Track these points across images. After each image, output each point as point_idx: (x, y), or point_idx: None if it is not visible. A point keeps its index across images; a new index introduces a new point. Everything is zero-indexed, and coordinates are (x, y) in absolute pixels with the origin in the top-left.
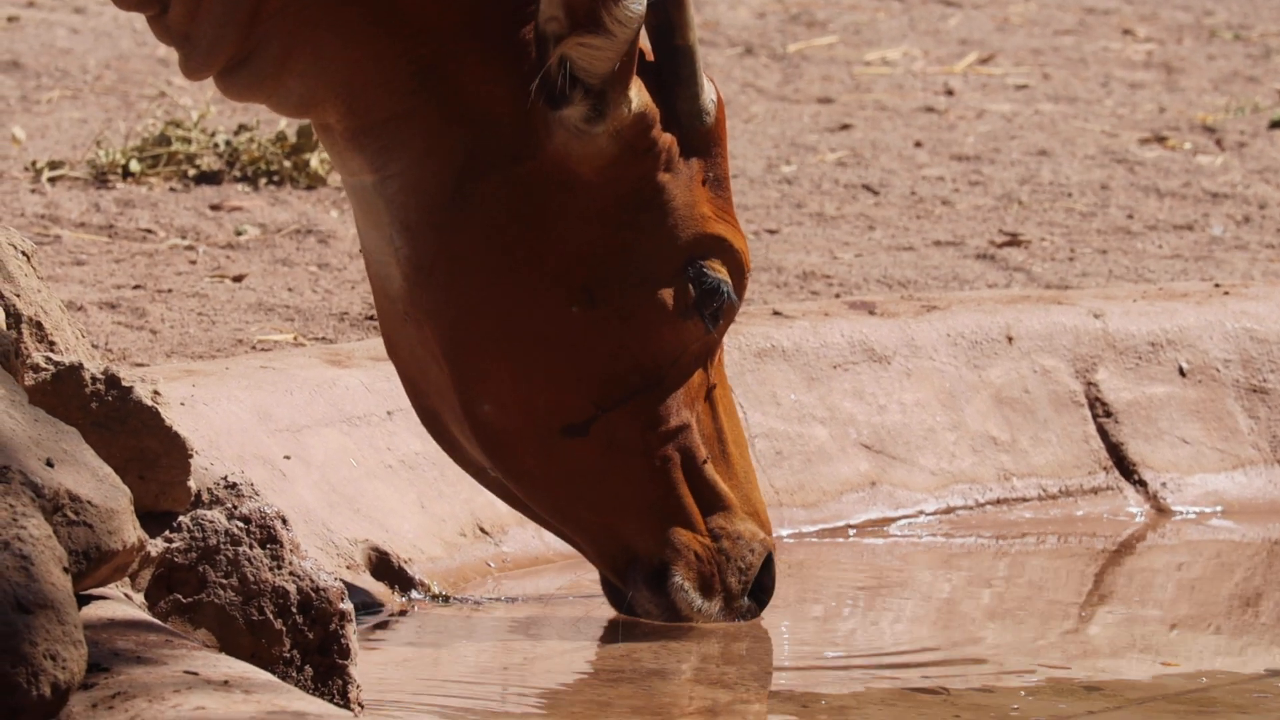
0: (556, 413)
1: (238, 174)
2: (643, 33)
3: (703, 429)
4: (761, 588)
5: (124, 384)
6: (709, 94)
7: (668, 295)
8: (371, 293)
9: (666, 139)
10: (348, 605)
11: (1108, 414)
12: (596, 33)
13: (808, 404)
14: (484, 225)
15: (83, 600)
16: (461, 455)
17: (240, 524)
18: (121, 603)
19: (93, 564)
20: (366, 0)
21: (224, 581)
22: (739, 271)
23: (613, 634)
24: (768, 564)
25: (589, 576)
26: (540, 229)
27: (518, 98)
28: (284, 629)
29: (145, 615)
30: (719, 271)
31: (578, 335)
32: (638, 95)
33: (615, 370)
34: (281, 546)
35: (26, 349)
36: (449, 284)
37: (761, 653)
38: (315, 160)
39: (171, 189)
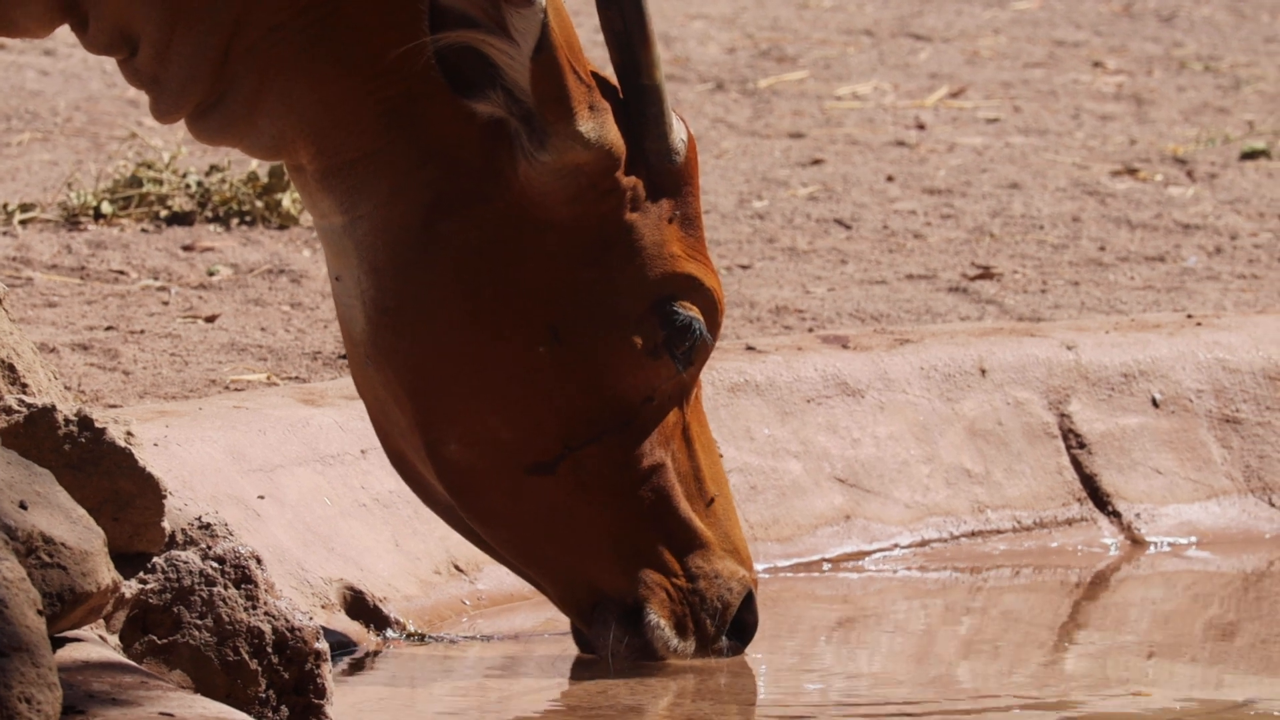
0: (523, 451)
1: (209, 214)
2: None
3: (679, 467)
4: (743, 625)
5: (97, 425)
6: (679, 133)
7: (637, 335)
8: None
9: (630, 180)
10: (323, 645)
11: (1081, 445)
12: (500, 36)
13: (781, 438)
14: (451, 265)
15: (57, 642)
16: (430, 495)
17: (215, 564)
18: (96, 644)
19: (67, 606)
20: (334, 40)
21: (199, 622)
22: (712, 310)
23: (590, 671)
24: (748, 601)
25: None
26: (507, 269)
27: (485, 138)
28: (259, 669)
29: (120, 657)
30: (690, 310)
31: (545, 375)
32: (598, 131)
33: (583, 409)
34: (256, 587)
35: None
36: (416, 324)
37: (738, 688)
38: (287, 200)
39: (143, 230)
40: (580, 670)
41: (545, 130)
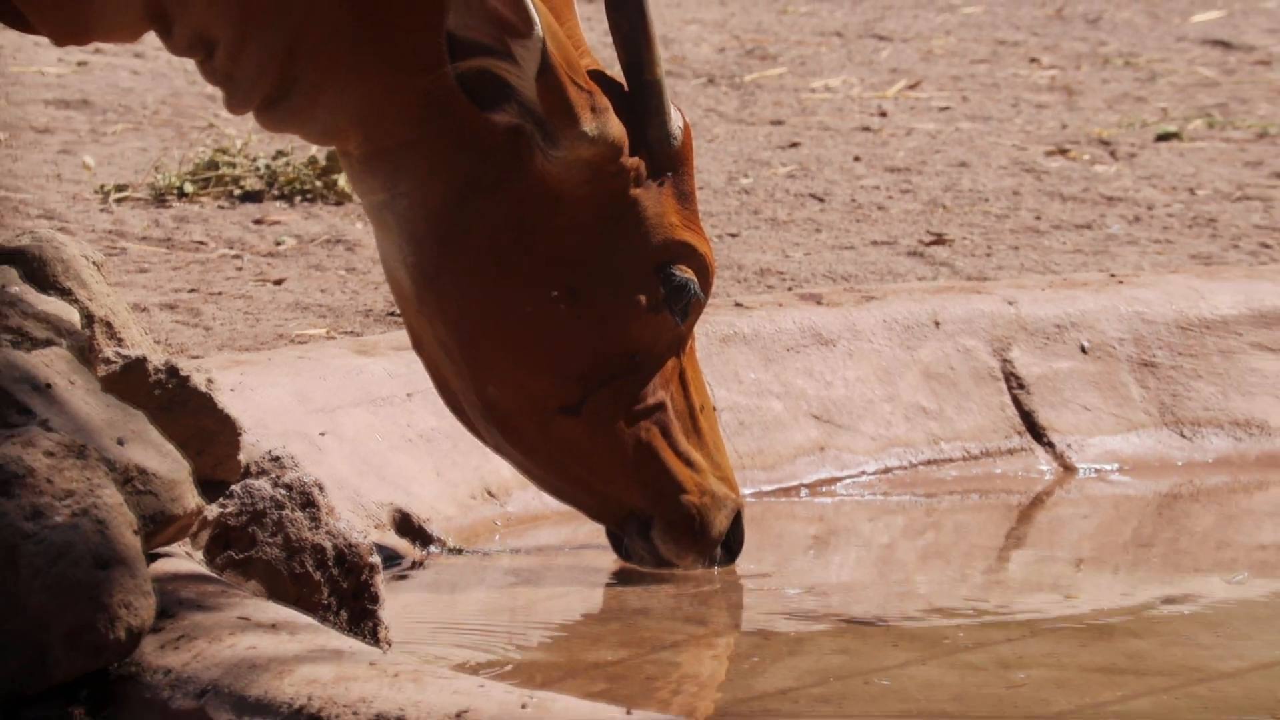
0: (550, 394)
1: (276, 193)
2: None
3: (676, 406)
4: (732, 541)
5: (182, 373)
6: (676, 121)
7: (642, 294)
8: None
9: (634, 161)
10: (376, 558)
11: (1020, 386)
12: (509, 61)
13: (765, 381)
14: (482, 236)
15: (151, 558)
16: (477, 430)
17: (284, 491)
18: (184, 559)
19: (159, 526)
20: (381, 44)
21: (271, 540)
22: (704, 272)
23: (603, 579)
24: (737, 520)
25: (582, 530)
26: (529, 238)
27: (508, 131)
28: (322, 580)
29: (204, 570)
30: (686, 272)
31: (565, 329)
32: (600, 129)
33: (598, 358)
34: (319, 510)
35: (99, 345)
36: (453, 286)
37: (729, 593)
38: (342, 180)
39: (220, 207)
40: (596, 579)
41: (555, 133)
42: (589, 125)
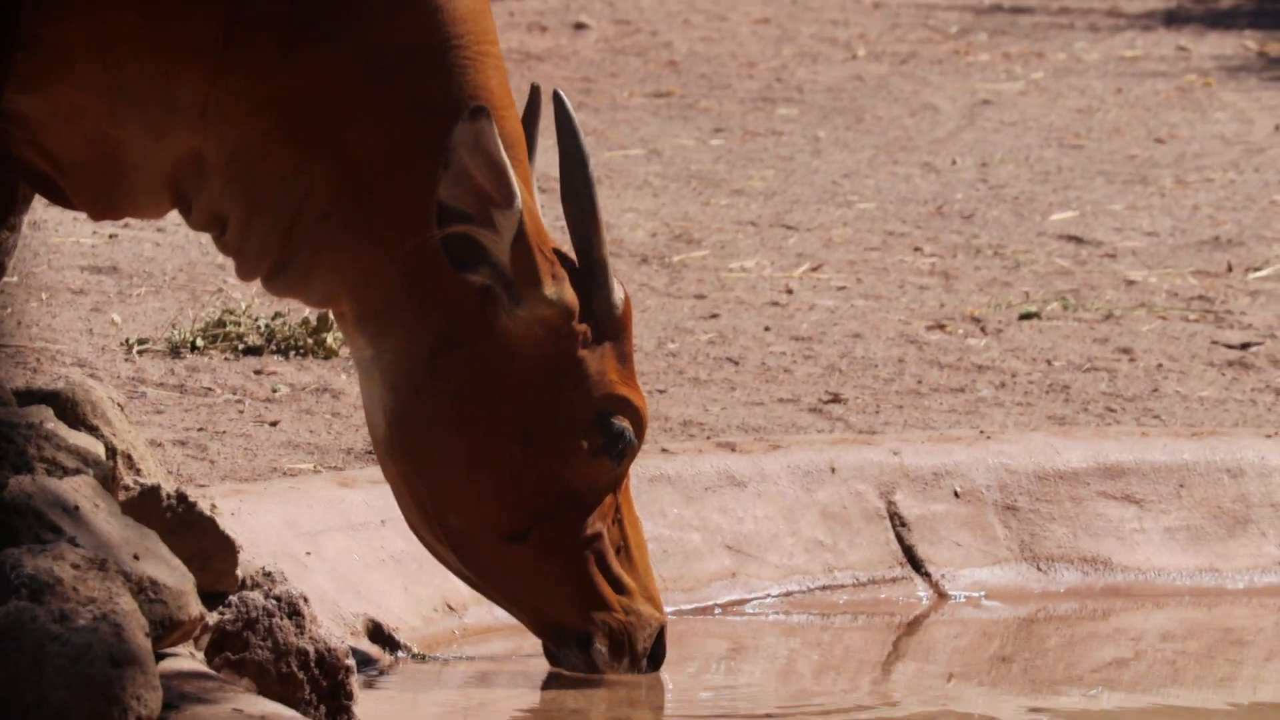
0: (503, 524)
1: (274, 348)
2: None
3: (612, 537)
4: (657, 655)
5: (190, 500)
6: (618, 293)
7: (584, 440)
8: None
9: (582, 326)
10: (352, 661)
11: (903, 524)
12: (488, 228)
13: (686, 517)
14: (451, 387)
15: (159, 657)
16: (437, 552)
17: (274, 602)
18: (188, 659)
19: (167, 630)
20: (368, 225)
21: (262, 644)
22: (639, 422)
23: (546, 684)
24: (660, 636)
25: (528, 642)
26: (491, 390)
27: (476, 295)
28: (305, 679)
29: (204, 668)
30: (623, 422)
31: (518, 469)
32: (558, 294)
33: (546, 494)
34: (304, 618)
35: (120, 474)
36: (424, 430)
37: (653, 698)
38: (330, 338)
39: (226, 359)
40: (539, 683)
41: (520, 294)
42: (549, 290)
